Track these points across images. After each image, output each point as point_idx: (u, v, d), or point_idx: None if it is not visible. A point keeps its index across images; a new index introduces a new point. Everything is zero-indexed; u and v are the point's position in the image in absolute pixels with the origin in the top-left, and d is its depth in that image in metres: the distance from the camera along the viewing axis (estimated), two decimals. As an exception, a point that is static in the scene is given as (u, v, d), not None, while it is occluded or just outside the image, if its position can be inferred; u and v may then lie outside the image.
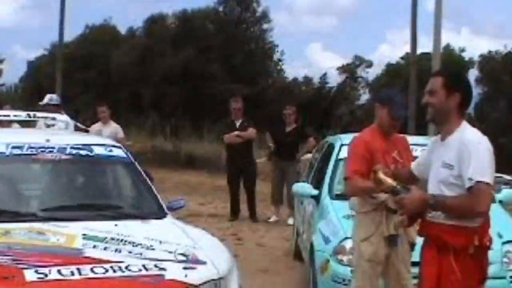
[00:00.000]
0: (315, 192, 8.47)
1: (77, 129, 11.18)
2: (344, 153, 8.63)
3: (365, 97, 50.10)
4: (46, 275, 5.01)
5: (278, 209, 13.63)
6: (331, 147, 9.20)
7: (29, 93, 35.92)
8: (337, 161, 8.58)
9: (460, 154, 4.50)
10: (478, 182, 4.40)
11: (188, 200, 15.15)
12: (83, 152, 6.90)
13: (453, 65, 39.89)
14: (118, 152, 7.22)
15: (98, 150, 7.00)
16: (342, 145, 8.83)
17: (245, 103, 13.95)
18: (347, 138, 9.24)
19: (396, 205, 4.87)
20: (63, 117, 8.88)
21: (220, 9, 41.23)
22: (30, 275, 4.96)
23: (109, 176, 7.24)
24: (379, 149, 6.10)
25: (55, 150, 6.74)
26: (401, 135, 6.64)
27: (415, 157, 5.93)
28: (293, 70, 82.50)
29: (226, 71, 36.50)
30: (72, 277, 5.04)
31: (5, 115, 9.46)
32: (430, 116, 4.80)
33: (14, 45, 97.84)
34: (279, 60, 44.55)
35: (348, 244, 6.88)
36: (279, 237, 11.89)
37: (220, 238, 10.76)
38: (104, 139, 8.56)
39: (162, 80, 35.00)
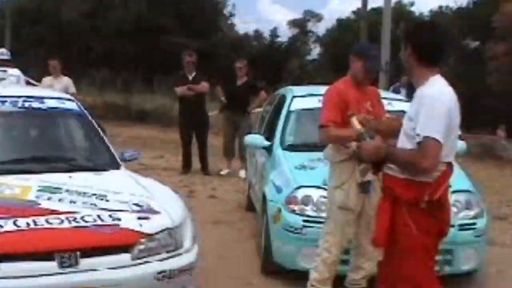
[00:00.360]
0: (267, 143, 8.56)
1: (28, 83, 11.15)
2: (296, 105, 8.78)
3: (316, 51, 50.25)
4: (1, 226, 5.07)
5: (230, 162, 13.72)
6: (282, 99, 9.28)
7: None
8: (289, 112, 8.67)
9: (417, 107, 4.48)
10: (425, 137, 4.37)
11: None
12: (35, 105, 6.92)
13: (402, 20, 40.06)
14: (71, 105, 7.25)
15: (51, 103, 7.03)
16: (293, 96, 8.92)
17: (197, 57, 13.94)
18: (298, 90, 9.39)
19: (356, 151, 4.92)
20: (14, 71, 8.82)
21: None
22: (-16, 226, 5.03)
23: (62, 128, 7.27)
24: (353, 99, 6.16)
25: (7, 103, 6.75)
26: (373, 87, 6.73)
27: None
28: (245, 25, 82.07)
29: (178, 25, 36.29)
30: (27, 228, 5.11)
31: None
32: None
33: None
34: (230, 14, 44.48)
35: (300, 194, 7.01)
36: (231, 189, 12.01)
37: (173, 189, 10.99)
38: (55, 91, 8.56)
39: (113, 34, 34.69)
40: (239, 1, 70.99)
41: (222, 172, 13.70)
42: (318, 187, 6.98)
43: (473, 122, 20.43)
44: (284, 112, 8.72)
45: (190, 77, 13.61)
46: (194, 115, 13.56)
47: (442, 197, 4.59)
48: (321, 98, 8.64)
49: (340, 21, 46.60)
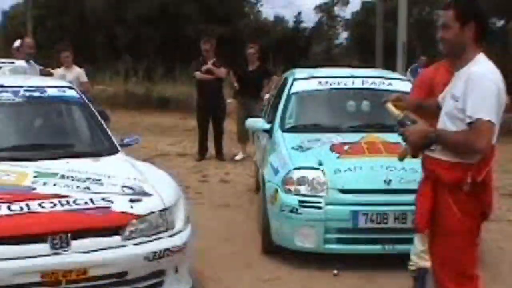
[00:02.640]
0: (267, 126, 8.69)
1: (42, 73, 11.35)
2: (296, 88, 8.89)
3: (343, 35, 50.08)
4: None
5: (245, 147, 13.84)
6: (285, 81, 9.39)
7: (4, 42, 35.73)
8: (289, 95, 8.78)
9: (465, 86, 4.31)
10: (478, 119, 4.22)
11: (158, 141, 15.52)
12: (36, 94, 7.11)
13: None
14: (71, 93, 7.42)
15: (51, 92, 7.22)
16: (294, 79, 9.02)
17: (219, 44, 14.05)
18: (300, 72, 9.48)
19: (401, 136, 4.64)
20: (21, 62, 9.01)
21: None
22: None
23: (62, 116, 7.44)
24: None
25: (8, 93, 6.94)
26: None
27: None
28: (272, 10, 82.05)
29: (202, 11, 36.34)
30: (21, 212, 5.30)
31: None
32: (445, 51, 4.61)
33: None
34: (257, 0, 44.44)
35: (295, 174, 7.12)
36: (244, 173, 12.11)
37: (173, 174, 11.16)
38: (57, 80, 8.74)
39: (137, 22, 34.81)
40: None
41: (236, 157, 13.82)
42: (313, 168, 7.10)
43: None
44: (285, 94, 8.83)
45: (209, 63, 13.73)
46: (211, 101, 13.69)
47: (486, 178, 4.44)
48: (321, 80, 8.86)
49: (364, 4, 46.38)
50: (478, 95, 4.26)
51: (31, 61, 10.96)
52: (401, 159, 4.87)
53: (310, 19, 49.31)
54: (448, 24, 4.48)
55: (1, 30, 42.83)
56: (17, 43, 12.47)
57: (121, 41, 35.44)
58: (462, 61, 4.50)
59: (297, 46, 40.56)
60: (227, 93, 14.65)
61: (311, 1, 78.03)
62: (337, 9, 50.81)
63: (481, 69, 4.39)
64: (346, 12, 50.55)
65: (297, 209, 6.94)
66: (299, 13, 46.85)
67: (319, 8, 50.09)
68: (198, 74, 13.75)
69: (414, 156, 4.70)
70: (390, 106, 4.91)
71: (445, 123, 4.50)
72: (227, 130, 14.33)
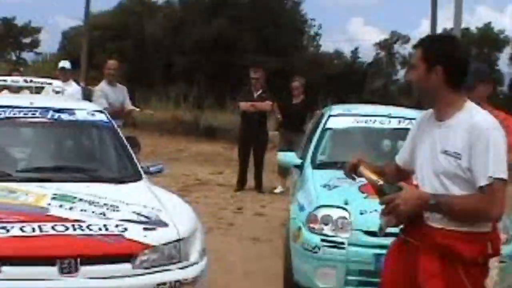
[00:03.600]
0: (298, 161, 8.58)
1: (85, 92, 11.47)
2: (331, 124, 8.79)
3: (402, 73, 49.87)
4: (8, 231, 5.22)
5: (284, 180, 13.73)
6: (321, 117, 9.30)
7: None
8: (324, 131, 8.70)
9: (472, 142, 3.75)
10: (496, 179, 3.70)
11: (201, 169, 15.50)
12: (64, 116, 7.09)
13: (486, 42, 39.66)
14: (100, 117, 7.39)
15: (80, 115, 7.19)
16: (330, 115, 8.93)
17: (273, 76, 14.02)
18: (337, 108, 9.38)
19: (386, 207, 3.94)
20: (57, 83, 9.02)
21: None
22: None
23: (89, 139, 7.45)
24: None
25: (37, 114, 6.94)
26: None
27: None
28: (333, 44, 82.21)
29: (258, 42, 36.50)
30: (32, 234, 5.25)
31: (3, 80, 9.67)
32: (416, 94, 4.11)
33: (54, 15, 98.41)
34: (316, 34, 44.50)
35: (321, 213, 6.99)
36: (281, 207, 11.95)
37: (208, 204, 11.05)
38: (87, 103, 8.74)
39: (193, 50, 35.11)
40: (330, 21, 71.36)
41: (276, 190, 13.72)
42: (339, 207, 6.96)
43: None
44: (319, 130, 8.74)
45: (256, 94, 13.73)
46: (254, 132, 13.67)
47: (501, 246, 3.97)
48: (357, 117, 8.73)
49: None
50: (495, 153, 3.73)
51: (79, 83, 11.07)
52: (382, 233, 4.15)
53: (369, 55, 49.13)
54: (415, 64, 3.99)
55: (61, 50, 43.56)
56: (60, 64, 12.54)
57: (177, 68, 35.75)
58: (443, 108, 3.95)
59: (352, 81, 40.43)
60: (270, 125, 14.59)
61: (373, 37, 78.13)
62: (397, 47, 50.82)
63: (490, 122, 3.85)
64: (406, 49, 50.38)
65: (319, 248, 6.79)
66: (357, 48, 46.86)
67: (379, 44, 50.15)
68: (242, 104, 13.74)
69: (397, 225, 4.06)
70: (364, 171, 4.19)
71: (443, 184, 3.87)
72: (268, 163, 14.24)
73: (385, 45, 50.99)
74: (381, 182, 4.03)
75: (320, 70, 35.40)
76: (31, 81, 9.37)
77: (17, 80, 9.63)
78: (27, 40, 58.54)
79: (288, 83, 14.39)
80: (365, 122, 8.72)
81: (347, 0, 72.65)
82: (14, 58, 56.22)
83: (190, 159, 16.61)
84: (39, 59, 52.65)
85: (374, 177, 4.11)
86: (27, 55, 57.32)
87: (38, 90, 10.10)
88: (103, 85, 11.99)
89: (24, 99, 7.16)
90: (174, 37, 36.23)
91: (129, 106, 12.14)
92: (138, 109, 14.13)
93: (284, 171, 13.49)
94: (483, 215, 3.77)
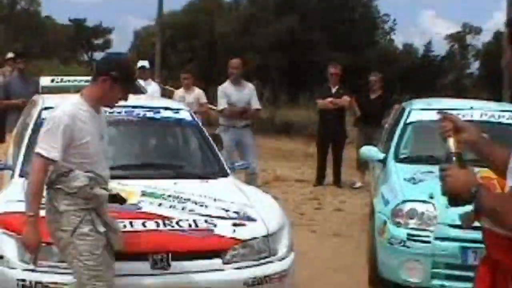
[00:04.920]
0: (381, 155, 8.56)
1: (164, 93, 11.59)
2: (412, 118, 8.74)
3: (475, 65, 49.25)
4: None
5: (363, 175, 13.68)
6: (402, 111, 9.26)
7: (134, 63, 36.75)
8: (405, 125, 8.67)
9: None
10: None
11: (278, 165, 15.53)
12: (150, 114, 7.21)
13: None
14: (185, 115, 7.50)
15: (165, 113, 7.30)
16: (411, 110, 8.89)
17: (346, 72, 14.01)
18: (418, 103, 9.33)
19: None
20: (140, 82, 9.18)
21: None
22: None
23: (174, 137, 7.56)
24: None
25: (123, 112, 7.06)
26: None
27: None
28: (404, 38, 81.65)
29: (330, 39, 36.39)
30: (124, 230, 5.35)
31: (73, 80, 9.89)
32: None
33: (125, 15, 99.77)
34: (391, 28, 44.16)
35: (406, 207, 6.97)
36: (360, 202, 11.92)
37: (288, 200, 11.08)
38: (172, 102, 8.88)
39: (265, 48, 35.18)
40: (401, 15, 70.80)
41: (354, 186, 13.68)
42: (424, 201, 6.93)
43: None
44: (400, 124, 8.71)
45: (333, 90, 13.72)
46: (333, 128, 13.65)
47: None
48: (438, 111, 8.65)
49: (497, 34, 45.48)
50: None
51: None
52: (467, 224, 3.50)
53: (441, 49, 48.68)
54: (505, 48, 3.42)
55: (133, 50, 44.09)
56: (140, 63, 12.75)
57: (249, 66, 35.84)
58: None
59: (426, 75, 40.00)
60: (348, 120, 14.56)
61: (444, 30, 77.21)
62: (469, 38, 50.15)
63: None
64: (479, 41, 49.74)
65: (405, 242, 6.78)
66: (429, 42, 46.31)
67: (451, 37, 49.55)
68: (321, 102, 13.75)
69: (476, 218, 3.38)
70: (451, 141, 3.61)
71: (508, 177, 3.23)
72: (347, 158, 14.23)
73: (457, 38, 50.36)
74: (453, 151, 3.51)
75: (393, 65, 35.07)
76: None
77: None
78: (98, 41, 59.44)
79: (362, 79, 14.35)
80: (447, 115, 8.64)
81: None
82: (86, 59, 57.09)
83: (267, 156, 16.62)
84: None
85: (452, 146, 3.57)
86: (99, 56, 58.15)
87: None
88: (226, 85, 11.85)
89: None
90: (245, 35, 36.33)
91: (255, 105, 11.79)
92: (213, 107, 14.24)
93: (363, 165, 13.46)
94: (502, 219, 3.13)
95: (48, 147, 4.74)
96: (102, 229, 4.86)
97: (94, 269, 4.79)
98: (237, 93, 11.61)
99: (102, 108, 5.12)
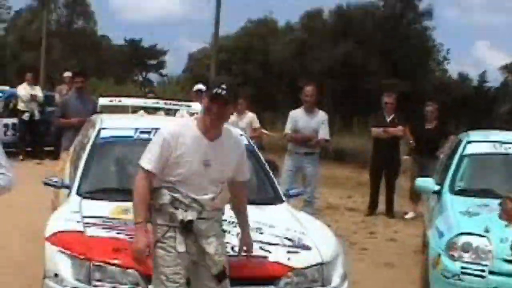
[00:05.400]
0: (436, 187, 8.51)
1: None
2: (469, 150, 8.68)
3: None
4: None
5: (416, 206, 13.57)
6: (458, 143, 9.20)
7: (188, 85, 37.07)
8: (462, 157, 8.62)
9: None
10: None
11: (330, 193, 15.47)
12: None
13: None
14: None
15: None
16: (468, 141, 8.83)
17: (400, 99, 13.94)
18: (474, 135, 9.27)
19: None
20: (197, 105, 9.24)
21: (380, 4, 41.02)
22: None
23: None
24: None
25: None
26: None
27: None
28: (458, 67, 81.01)
29: (385, 66, 36.34)
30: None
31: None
32: None
33: (180, 37, 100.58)
34: (445, 58, 43.96)
35: (461, 240, 6.92)
36: (413, 233, 11.81)
37: (340, 228, 11.01)
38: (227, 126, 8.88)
39: (320, 74, 35.23)
40: (455, 44, 70.44)
41: (407, 216, 13.57)
42: (479, 235, 6.87)
43: None
44: (457, 156, 8.65)
45: (388, 119, 13.66)
46: (386, 157, 13.59)
47: None
48: (496, 143, 8.61)
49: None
50: None
51: None
52: None
53: (495, 79, 48.17)
54: None
55: (187, 72, 44.46)
56: (196, 86, 12.85)
57: (324, 93, 35.91)
58: None
59: (481, 106, 39.67)
60: (403, 149, 14.47)
61: (498, 61, 76.55)
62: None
63: None
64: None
65: (459, 276, 6.72)
66: (484, 72, 45.95)
67: (505, 68, 49.09)
68: (374, 130, 13.70)
69: None
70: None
71: None
72: (400, 187, 14.13)
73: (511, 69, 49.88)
74: None
75: (447, 95, 34.84)
76: (170, 103, 9.66)
77: (157, 102, 9.93)
78: (153, 62, 59.95)
79: (417, 107, 14.23)
80: (504, 149, 8.59)
81: (474, 22, 71.53)
82: (140, 79, 57.60)
83: (320, 183, 16.52)
84: (164, 80, 53.98)
85: None
86: (153, 76, 58.67)
87: (171, 112, 10.42)
88: (298, 110, 11.87)
89: (165, 121, 7.26)
90: (299, 60, 36.44)
91: (324, 135, 11.77)
92: (266, 132, 14.26)
93: (416, 196, 13.35)
94: None
95: (147, 159, 5.09)
96: (181, 249, 5.05)
97: (166, 284, 4.98)
98: (306, 119, 11.64)
99: (225, 136, 5.28)
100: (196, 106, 9.03)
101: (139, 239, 5.10)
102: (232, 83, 5.24)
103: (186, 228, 5.08)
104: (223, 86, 5.04)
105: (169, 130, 5.14)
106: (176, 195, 5.08)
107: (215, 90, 5.03)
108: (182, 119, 5.49)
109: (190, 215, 5.08)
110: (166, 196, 5.08)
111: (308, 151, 11.56)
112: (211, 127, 5.13)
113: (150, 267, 5.19)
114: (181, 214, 5.07)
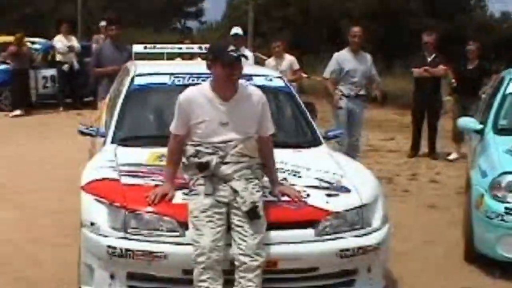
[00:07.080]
0: (479, 126, 8.31)
1: (257, 60, 11.51)
2: (512, 88, 8.47)
3: None
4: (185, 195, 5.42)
5: (459, 146, 13.38)
6: (501, 81, 8.98)
7: (228, 31, 36.87)
8: (505, 95, 8.41)
9: None
10: None
11: (372, 135, 15.32)
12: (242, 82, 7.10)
13: None
14: (278, 82, 7.40)
15: (258, 80, 7.12)
16: (511, 79, 8.61)
17: (441, 40, 13.68)
18: (518, 72, 9.03)
19: None
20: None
21: None
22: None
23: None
24: None
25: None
26: None
27: None
28: (501, 5, 79.42)
29: (426, 6, 35.79)
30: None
31: (178, 48, 9.89)
32: None
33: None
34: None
35: (505, 179, 6.76)
36: (456, 174, 11.64)
37: (382, 170, 10.91)
38: (266, 69, 8.78)
39: (361, 16, 34.80)
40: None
41: (450, 157, 13.39)
42: (524, 174, 6.71)
43: None
44: (499, 94, 8.45)
45: (429, 59, 13.43)
46: (428, 98, 13.40)
47: None
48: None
49: None
50: None
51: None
52: None
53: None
54: None
55: (225, 19, 44.17)
56: (233, 30, 12.72)
57: (344, 35, 35.48)
58: None
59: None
60: (445, 90, 14.24)
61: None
62: None
63: None
64: None
65: (503, 217, 6.58)
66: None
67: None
68: (416, 70, 13.48)
69: None
70: None
71: None
72: (442, 129, 13.95)
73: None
74: None
75: (489, 34, 34.21)
76: (204, 47, 9.53)
77: (192, 47, 9.83)
78: (191, 9, 59.52)
79: (458, 47, 13.96)
80: (550, 85, 8.37)
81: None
82: (179, 27, 57.31)
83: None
84: (203, 27, 53.69)
85: None
86: (192, 24, 58.30)
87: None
88: (343, 52, 11.48)
89: (200, 67, 7.17)
90: (340, 4, 36.00)
91: (376, 78, 11.81)
92: (306, 75, 14.12)
93: (459, 137, 13.17)
94: None
95: (173, 123, 5.49)
96: (209, 191, 5.24)
97: (197, 227, 5.10)
98: (354, 62, 11.28)
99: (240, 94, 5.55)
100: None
101: (162, 187, 5.42)
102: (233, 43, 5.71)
103: (205, 169, 5.28)
104: (231, 51, 5.40)
105: (183, 95, 5.50)
106: (199, 148, 5.37)
107: (225, 58, 5.35)
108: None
109: (210, 159, 5.30)
110: (190, 151, 5.39)
111: (361, 93, 11.33)
112: (226, 89, 5.45)
113: (186, 214, 5.15)
114: (205, 159, 5.32)
